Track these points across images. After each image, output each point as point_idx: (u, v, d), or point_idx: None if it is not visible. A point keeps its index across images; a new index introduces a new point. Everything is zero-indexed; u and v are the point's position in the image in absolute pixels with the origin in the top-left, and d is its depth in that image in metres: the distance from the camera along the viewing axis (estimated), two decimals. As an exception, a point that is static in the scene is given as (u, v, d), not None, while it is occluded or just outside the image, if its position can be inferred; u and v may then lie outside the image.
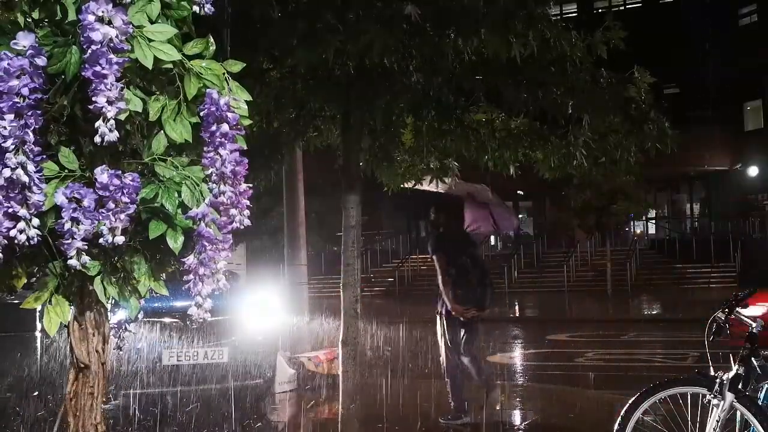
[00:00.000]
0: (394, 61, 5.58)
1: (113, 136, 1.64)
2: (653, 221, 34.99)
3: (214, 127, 1.78)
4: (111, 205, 1.67)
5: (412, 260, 31.86)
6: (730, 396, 3.89)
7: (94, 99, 1.62)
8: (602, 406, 7.34)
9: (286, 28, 5.35)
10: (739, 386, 3.90)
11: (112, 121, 1.64)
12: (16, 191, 1.61)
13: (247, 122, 1.87)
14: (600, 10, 36.61)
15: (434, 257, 6.93)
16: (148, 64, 1.71)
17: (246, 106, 1.86)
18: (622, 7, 37.32)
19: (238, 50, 5.06)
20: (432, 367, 8.39)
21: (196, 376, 6.88)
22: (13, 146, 1.58)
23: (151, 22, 1.75)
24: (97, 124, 1.64)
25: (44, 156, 1.66)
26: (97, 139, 1.64)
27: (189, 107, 1.82)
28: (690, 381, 4.15)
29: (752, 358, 3.95)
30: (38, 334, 6.61)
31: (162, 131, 1.81)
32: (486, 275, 6.95)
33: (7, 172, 1.58)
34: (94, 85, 1.62)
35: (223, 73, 1.83)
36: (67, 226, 1.64)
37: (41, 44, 1.65)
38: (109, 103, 1.62)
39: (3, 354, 6.64)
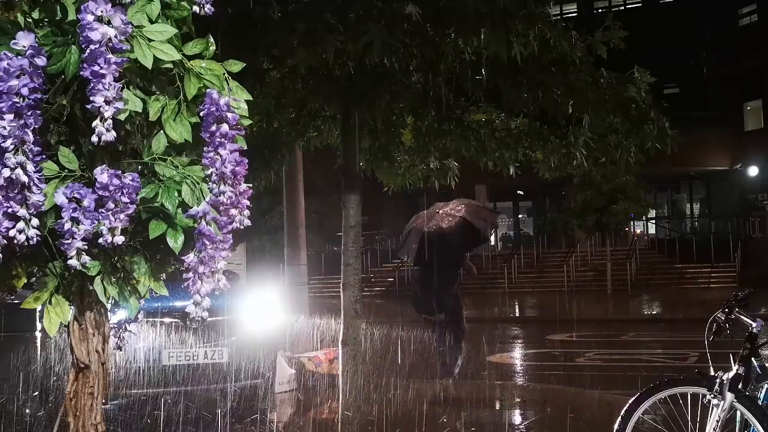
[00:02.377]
0: (394, 61, 5.57)
1: (110, 135, 1.64)
2: (653, 221, 34.97)
3: (214, 127, 1.78)
4: (111, 205, 1.67)
5: (412, 260, 31.77)
6: (730, 396, 3.89)
7: (91, 99, 1.62)
8: (602, 406, 7.33)
9: (286, 29, 5.34)
10: (739, 386, 3.90)
11: (110, 121, 1.63)
12: (16, 191, 1.61)
13: (247, 122, 1.87)
14: (600, 10, 36.63)
15: None
16: (148, 64, 1.71)
17: (246, 106, 1.86)
18: (622, 7, 37.33)
19: (238, 50, 5.06)
20: (430, 367, 8.39)
21: (196, 376, 6.88)
22: (13, 146, 1.58)
23: (151, 22, 1.75)
24: (94, 123, 1.64)
25: (44, 156, 1.66)
26: (94, 138, 1.64)
27: (189, 107, 1.82)
28: (690, 381, 4.15)
29: (752, 358, 3.95)
30: (38, 334, 6.61)
31: (162, 131, 1.81)
32: (431, 288, 7.76)
33: (6, 172, 1.58)
34: (92, 84, 1.61)
35: (223, 73, 1.83)
36: (67, 226, 1.64)
37: (41, 44, 1.65)
38: (107, 102, 1.62)
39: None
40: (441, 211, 7.90)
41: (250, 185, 1.88)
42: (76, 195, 1.66)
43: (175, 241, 1.78)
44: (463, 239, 7.88)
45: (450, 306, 7.78)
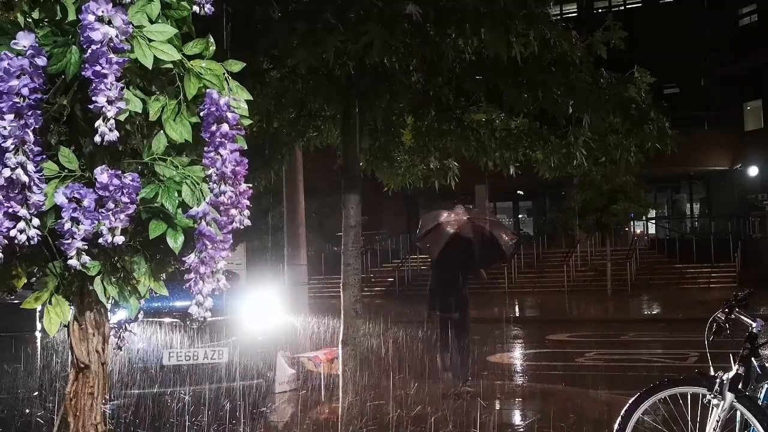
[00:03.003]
0: (395, 61, 5.57)
1: (113, 135, 1.64)
2: (653, 221, 34.98)
3: (214, 127, 1.78)
4: (111, 205, 1.67)
5: (412, 260, 31.84)
6: (730, 396, 3.89)
7: (94, 99, 1.62)
8: (602, 406, 7.33)
9: (287, 28, 5.34)
10: (739, 386, 3.89)
11: (112, 121, 1.63)
12: (16, 191, 1.61)
13: (247, 122, 1.86)
14: (600, 10, 36.63)
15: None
16: (148, 64, 1.71)
17: (246, 106, 1.86)
18: (622, 7, 37.33)
19: (238, 50, 5.06)
20: (431, 367, 8.40)
21: (196, 376, 6.88)
22: (13, 146, 1.58)
23: (151, 22, 1.75)
24: (96, 123, 1.64)
25: (44, 156, 1.66)
26: (97, 138, 1.64)
27: (189, 107, 1.82)
28: (690, 381, 4.15)
29: (752, 358, 3.95)
30: (38, 334, 6.61)
31: (162, 131, 1.81)
32: (452, 288, 8.46)
33: (7, 172, 1.58)
34: (94, 84, 1.61)
35: (223, 73, 1.83)
36: (67, 226, 1.64)
37: (41, 44, 1.65)
38: (109, 102, 1.62)
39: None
40: (473, 218, 8.49)
41: (250, 185, 1.88)
42: (76, 195, 1.66)
43: (175, 242, 1.78)
44: (490, 252, 8.56)
45: (464, 306, 8.36)
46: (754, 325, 3.96)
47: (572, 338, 15.00)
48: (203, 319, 1.83)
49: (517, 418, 7.47)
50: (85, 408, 1.98)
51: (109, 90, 1.61)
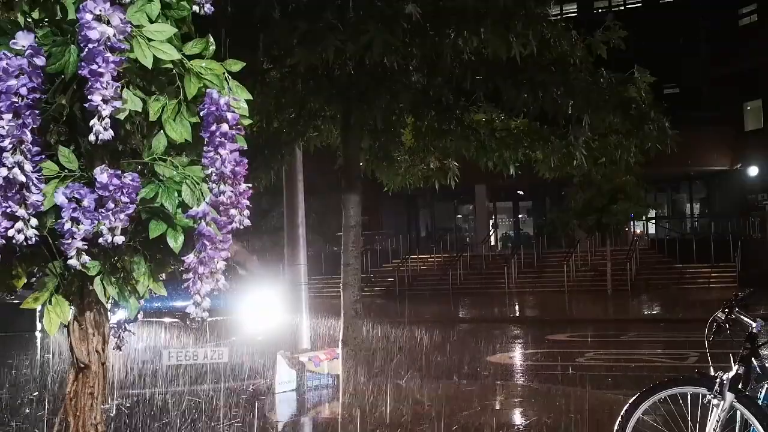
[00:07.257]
0: (394, 61, 5.57)
1: (108, 134, 1.64)
2: (653, 221, 34.97)
3: (213, 127, 1.77)
4: (111, 205, 1.67)
5: (412, 260, 31.84)
6: (730, 396, 3.88)
7: (89, 97, 1.62)
8: (602, 406, 7.33)
9: (287, 28, 5.35)
10: (739, 386, 3.89)
11: (107, 120, 1.63)
12: (14, 191, 1.60)
13: (247, 122, 1.86)
14: (600, 10, 36.63)
15: None
16: (148, 63, 1.71)
17: (246, 106, 1.85)
18: (622, 7, 37.33)
19: (238, 50, 5.06)
20: (430, 367, 8.40)
21: (196, 376, 6.89)
22: (11, 146, 1.58)
23: (151, 22, 1.75)
24: (91, 122, 1.63)
25: (43, 156, 1.66)
26: (92, 137, 1.64)
27: (189, 107, 1.81)
28: (690, 381, 4.15)
29: (752, 358, 3.95)
30: (38, 334, 6.62)
31: (162, 131, 1.81)
32: None
33: (4, 172, 1.57)
34: (90, 83, 1.61)
35: (223, 73, 1.83)
36: (67, 226, 1.64)
37: (40, 44, 1.65)
38: (105, 101, 1.61)
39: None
40: None
41: (250, 185, 1.88)
42: (76, 195, 1.66)
43: (175, 241, 1.78)
44: None
45: None
46: (754, 325, 3.95)
47: (572, 338, 15.00)
48: (201, 319, 1.83)
49: (516, 417, 7.47)
50: (85, 408, 1.98)
51: (105, 89, 1.61)
